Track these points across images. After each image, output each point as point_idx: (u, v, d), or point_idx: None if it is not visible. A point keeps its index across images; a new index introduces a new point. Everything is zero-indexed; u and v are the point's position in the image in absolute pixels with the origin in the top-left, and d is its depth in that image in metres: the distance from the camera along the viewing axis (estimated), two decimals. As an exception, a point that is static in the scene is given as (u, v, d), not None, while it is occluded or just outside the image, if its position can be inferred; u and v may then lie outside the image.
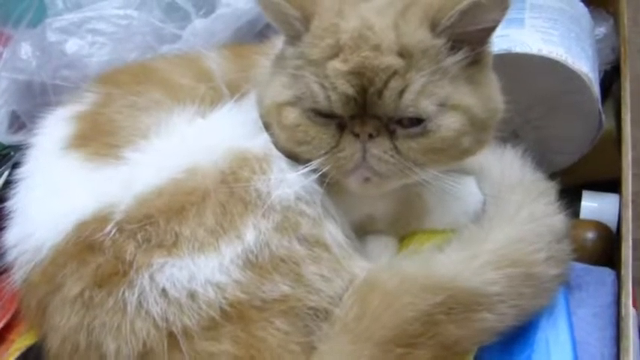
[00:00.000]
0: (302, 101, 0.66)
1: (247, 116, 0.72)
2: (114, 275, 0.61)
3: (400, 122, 0.64)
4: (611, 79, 1.05)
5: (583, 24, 0.94)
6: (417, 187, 0.69)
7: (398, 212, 0.74)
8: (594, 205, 0.92)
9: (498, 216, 0.71)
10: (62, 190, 0.67)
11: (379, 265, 0.67)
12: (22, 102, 0.92)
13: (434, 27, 0.64)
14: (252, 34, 0.96)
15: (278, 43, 0.74)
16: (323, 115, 0.65)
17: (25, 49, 0.90)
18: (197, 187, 0.63)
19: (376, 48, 0.63)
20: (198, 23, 0.94)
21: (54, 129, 0.74)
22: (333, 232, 0.67)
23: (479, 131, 0.67)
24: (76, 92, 0.80)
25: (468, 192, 0.75)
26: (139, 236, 0.61)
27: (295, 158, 0.68)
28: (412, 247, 0.70)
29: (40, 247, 0.64)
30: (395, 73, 0.62)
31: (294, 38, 0.68)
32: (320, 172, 0.65)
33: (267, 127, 0.70)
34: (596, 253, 0.83)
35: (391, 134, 0.64)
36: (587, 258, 0.80)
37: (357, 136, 0.64)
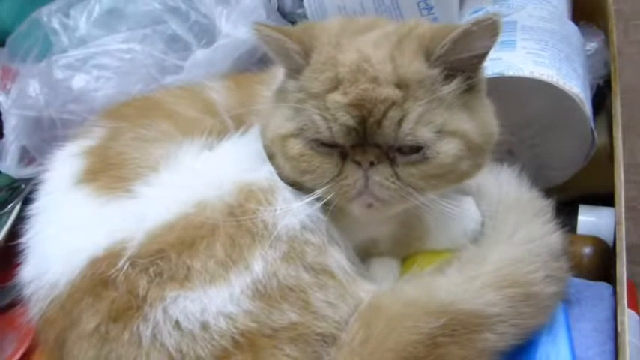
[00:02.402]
0: (305, 132, 0.67)
1: (252, 148, 0.73)
2: (128, 310, 0.62)
3: (400, 150, 0.65)
4: (604, 92, 1.06)
5: (573, 43, 0.96)
6: (417, 210, 0.70)
7: (400, 235, 0.76)
8: (591, 220, 0.94)
9: (496, 236, 0.73)
10: (75, 226, 0.68)
11: (383, 289, 0.69)
12: (31, 137, 0.94)
13: (428, 57, 0.66)
14: (251, 61, 0.98)
15: (277, 71, 0.76)
16: (326, 145, 0.67)
17: (34, 87, 0.92)
18: (206, 221, 0.65)
19: (374, 80, 0.65)
20: (200, 54, 0.96)
21: (64, 165, 0.75)
22: (338, 258, 0.68)
23: (476, 155, 0.69)
24: (84, 126, 0.81)
25: (466, 213, 0.77)
26: (151, 270, 0.63)
27: (299, 187, 0.69)
28: (414, 270, 0.71)
29: (56, 283, 0.65)
30: (393, 103, 0.64)
31: (294, 71, 0.69)
32: (324, 201, 0.67)
33: (271, 157, 0.72)
34: (593, 268, 0.85)
35: (392, 162, 0.66)
36: (585, 273, 0.81)
37: (358, 164, 0.65)
